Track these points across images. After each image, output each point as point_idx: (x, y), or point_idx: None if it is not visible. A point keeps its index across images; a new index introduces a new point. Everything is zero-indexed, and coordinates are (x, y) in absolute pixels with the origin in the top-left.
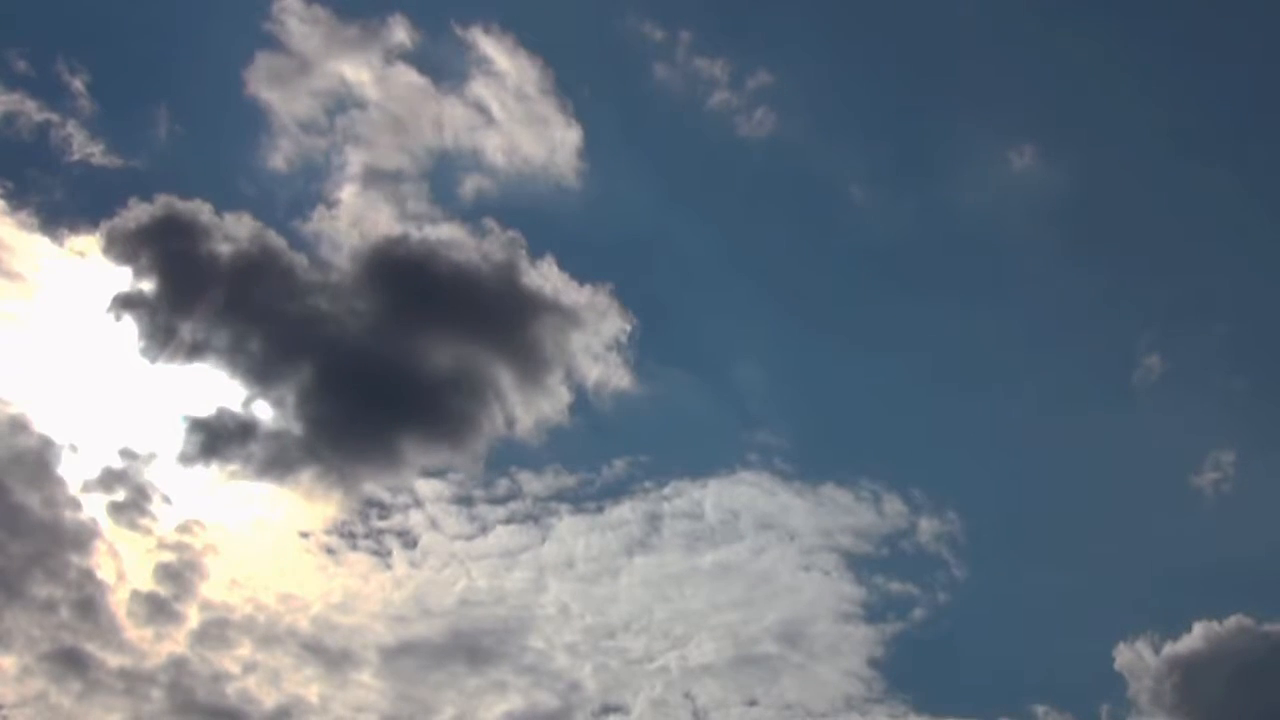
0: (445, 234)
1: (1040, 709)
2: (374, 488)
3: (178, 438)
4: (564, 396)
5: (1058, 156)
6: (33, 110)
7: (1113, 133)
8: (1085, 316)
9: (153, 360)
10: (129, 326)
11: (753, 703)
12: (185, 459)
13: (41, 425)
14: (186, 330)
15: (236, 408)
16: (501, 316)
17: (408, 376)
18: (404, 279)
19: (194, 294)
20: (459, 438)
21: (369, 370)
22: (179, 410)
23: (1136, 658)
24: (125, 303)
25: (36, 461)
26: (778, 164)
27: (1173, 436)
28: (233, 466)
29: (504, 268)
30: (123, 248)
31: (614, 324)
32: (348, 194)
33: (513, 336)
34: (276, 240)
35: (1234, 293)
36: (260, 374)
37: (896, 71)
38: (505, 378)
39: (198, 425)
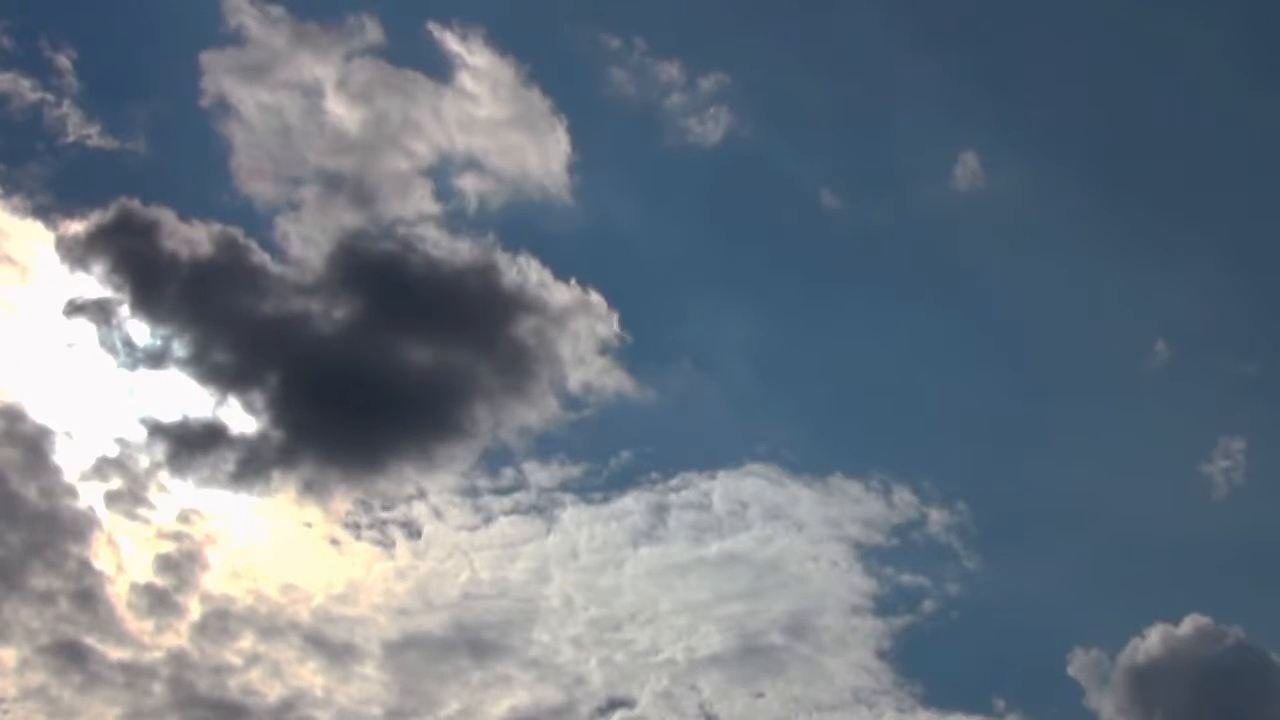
0: (430, 234)
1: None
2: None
3: (164, 444)
4: (564, 397)
5: (1051, 144)
6: (26, 90)
7: (1111, 115)
8: (1090, 305)
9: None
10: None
11: (760, 695)
12: (172, 467)
13: (37, 414)
14: (154, 336)
15: (225, 414)
16: (493, 315)
17: (402, 378)
18: (391, 280)
19: (164, 298)
20: (460, 436)
21: (367, 372)
22: (164, 414)
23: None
24: (79, 308)
25: (32, 450)
26: (746, 163)
27: (1181, 424)
28: (206, 472)
29: (487, 266)
30: (80, 253)
31: (610, 323)
32: (316, 195)
33: (505, 335)
34: (248, 242)
35: (1241, 276)
36: (237, 379)
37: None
38: (502, 377)
39: (178, 431)
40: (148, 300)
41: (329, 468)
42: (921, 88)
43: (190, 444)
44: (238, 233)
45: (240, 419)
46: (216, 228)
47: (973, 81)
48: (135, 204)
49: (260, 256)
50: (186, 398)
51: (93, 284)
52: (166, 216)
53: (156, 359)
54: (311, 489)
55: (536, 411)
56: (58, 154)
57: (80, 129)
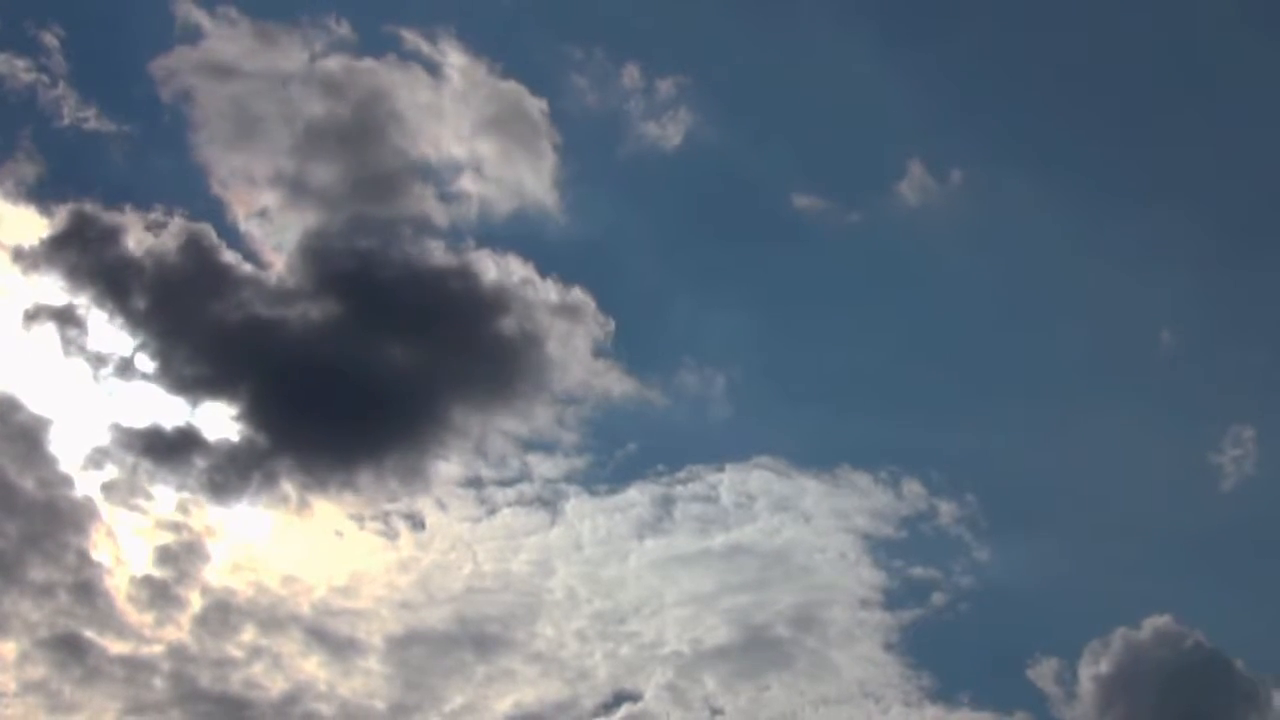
0: (413, 235)
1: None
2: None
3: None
4: (564, 397)
5: (1043, 135)
6: (20, 70)
7: (1103, 106)
8: (1092, 296)
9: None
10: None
11: (766, 688)
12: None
13: (32, 403)
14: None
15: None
16: (480, 317)
17: (394, 378)
18: (383, 282)
19: (141, 301)
20: (463, 435)
21: (356, 373)
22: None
23: None
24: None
25: (28, 440)
26: (713, 164)
27: (1190, 414)
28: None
29: (474, 267)
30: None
31: (604, 325)
32: (282, 198)
33: (494, 337)
34: (218, 243)
35: (1245, 263)
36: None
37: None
38: (499, 379)
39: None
40: (125, 304)
41: (328, 470)
42: (892, 83)
43: (176, 451)
44: (208, 229)
45: (234, 425)
46: (196, 225)
47: (951, 76)
48: (98, 206)
49: (230, 255)
50: (175, 405)
51: (65, 287)
52: (139, 217)
53: (141, 361)
54: (305, 499)
55: (537, 414)
56: (51, 139)
57: (76, 111)
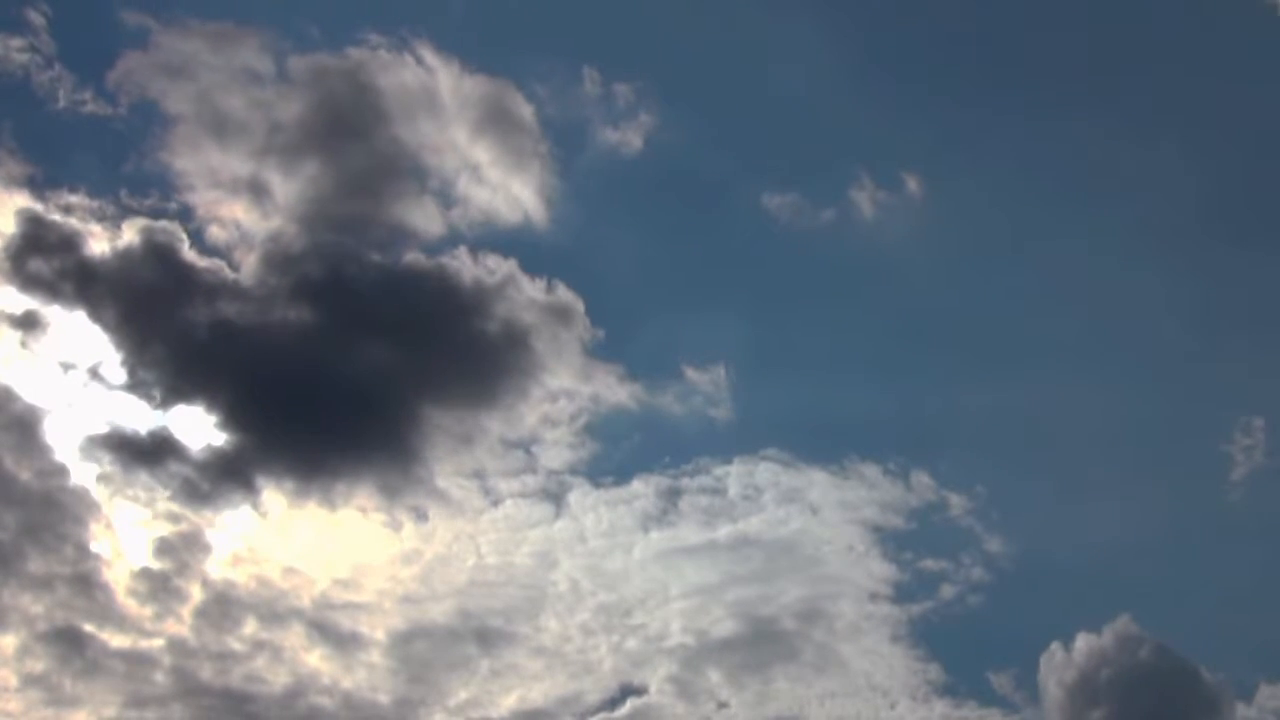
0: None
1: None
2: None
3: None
4: (561, 398)
5: (1035, 129)
6: (14, 51)
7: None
8: (1101, 287)
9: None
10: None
11: (771, 681)
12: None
13: (28, 394)
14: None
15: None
16: (470, 316)
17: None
18: (366, 286)
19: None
20: (466, 437)
21: (343, 373)
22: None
23: None
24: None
25: (25, 432)
26: (680, 167)
27: (1199, 405)
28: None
29: (456, 269)
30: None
31: (596, 329)
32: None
33: (492, 337)
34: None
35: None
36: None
37: None
38: (492, 385)
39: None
40: (98, 309)
41: (316, 477)
42: (849, 76)
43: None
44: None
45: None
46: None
47: (934, 66)
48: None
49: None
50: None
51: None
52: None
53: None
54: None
55: (535, 415)
56: (43, 122)
57: (74, 94)
